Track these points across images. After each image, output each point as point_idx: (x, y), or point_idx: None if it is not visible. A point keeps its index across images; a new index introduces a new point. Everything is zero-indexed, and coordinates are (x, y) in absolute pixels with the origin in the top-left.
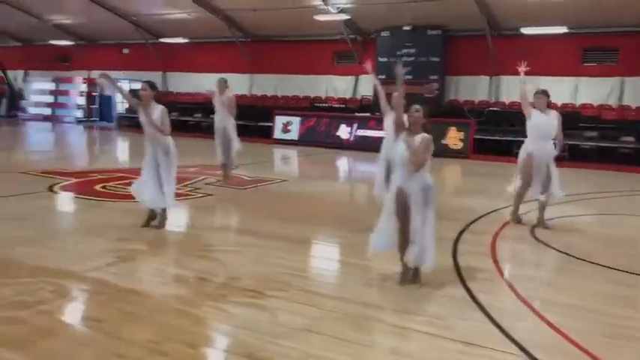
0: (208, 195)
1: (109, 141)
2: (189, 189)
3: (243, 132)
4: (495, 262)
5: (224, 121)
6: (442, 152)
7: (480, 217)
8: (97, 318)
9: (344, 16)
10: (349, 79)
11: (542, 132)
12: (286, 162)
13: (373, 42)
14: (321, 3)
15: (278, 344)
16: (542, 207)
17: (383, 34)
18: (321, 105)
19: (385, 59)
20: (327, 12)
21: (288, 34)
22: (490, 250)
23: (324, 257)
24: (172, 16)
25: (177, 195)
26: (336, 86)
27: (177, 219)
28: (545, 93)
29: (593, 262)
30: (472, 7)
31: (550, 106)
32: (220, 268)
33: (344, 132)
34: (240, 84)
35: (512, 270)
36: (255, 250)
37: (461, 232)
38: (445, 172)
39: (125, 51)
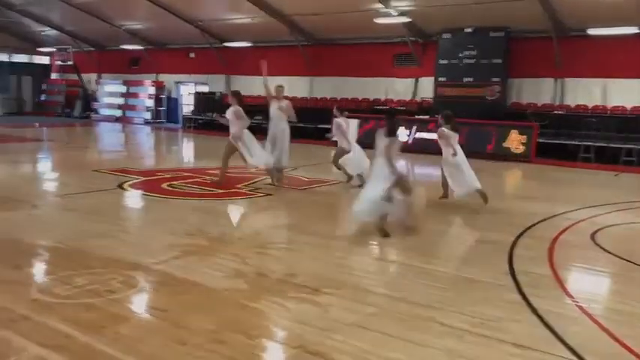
0: (268, 195)
1: (175, 141)
2: (249, 189)
3: (302, 134)
4: (552, 267)
5: (281, 125)
6: (503, 156)
7: (540, 222)
8: (161, 307)
9: (404, 19)
10: (409, 82)
11: None
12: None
13: (434, 44)
14: (382, 6)
15: (331, 338)
16: None
17: (444, 36)
18: (380, 107)
19: (446, 61)
20: (387, 15)
21: (348, 37)
22: (548, 255)
23: (380, 258)
24: (237, 20)
25: (238, 194)
26: (396, 88)
27: (239, 217)
28: None
29: None
30: (536, 7)
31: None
32: (278, 265)
33: (403, 134)
34: (300, 87)
35: (569, 275)
36: (311, 249)
37: (519, 237)
38: (506, 176)
39: (191, 55)
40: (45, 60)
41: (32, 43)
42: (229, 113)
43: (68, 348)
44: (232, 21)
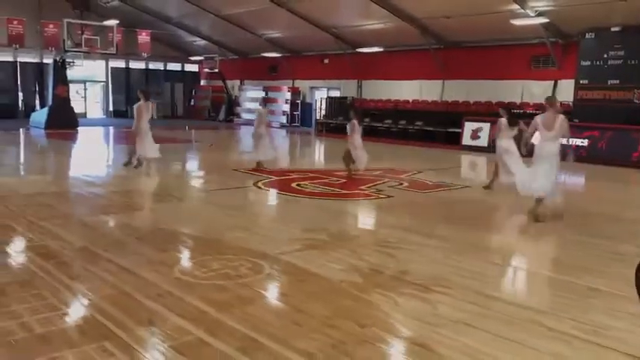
0: (389, 197)
1: (306, 144)
2: (372, 190)
3: (432, 138)
4: None
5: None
6: (633, 164)
7: None
8: (284, 293)
9: (542, 20)
10: (547, 84)
11: None
12: (473, 168)
13: (575, 45)
14: (518, 7)
15: (438, 333)
16: None
17: (587, 35)
18: (514, 111)
19: (589, 63)
20: (525, 16)
21: (481, 39)
22: None
23: (491, 261)
24: (369, 26)
25: (360, 195)
26: (533, 91)
27: (359, 216)
28: None
29: None
30: None
31: None
32: (392, 263)
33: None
34: (432, 90)
35: None
36: (426, 249)
37: None
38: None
39: (325, 61)
40: (195, 68)
41: (184, 53)
42: None
43: (203, 321)
44: (365, 27)
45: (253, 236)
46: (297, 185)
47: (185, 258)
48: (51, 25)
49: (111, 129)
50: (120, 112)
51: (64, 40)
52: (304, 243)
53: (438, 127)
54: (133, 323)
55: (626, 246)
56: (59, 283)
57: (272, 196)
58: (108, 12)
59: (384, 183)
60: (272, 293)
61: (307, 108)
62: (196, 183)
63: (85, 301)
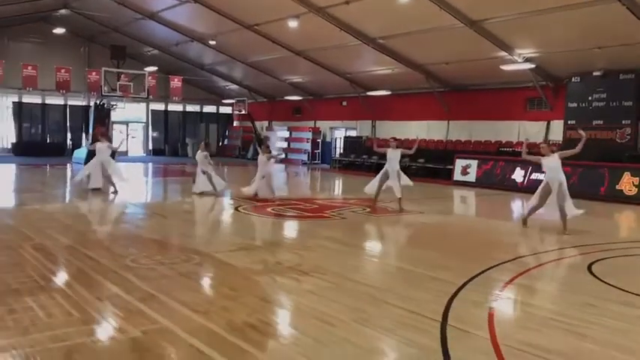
0: (342, 218)
1: (314, 179)
2: (334, 213)
3: (435, 174)
4: None
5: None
6: (615, 197)
7: None
8: (194, 272)
9: (529, 65)
10: (540, 124)
11: None
12: (446, 199)
13: (565, 87)
14: (506, 54)
15: (289, 298)
16: None
17: (573, 79)
18: (504, 149)
19: (575, 104)
20: (513, 62)
21: (479, 82)
22: None
23: (370, 259)
24: (378, 72)
25: (319, 217)
26: (528, 131)
27: (301, 230)
28: None
29: None
30: None
31: None
32: (296, 259)
33: (519, 175)
34: (438, 130)
35: None
36: (330, 252)
37: None
38: (617, 218)
39: (344, 103)
40: (228, 110)
41: (219, 96)
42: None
43: (129, 288)
44: (375, 72)
45: (203, 241)
46: (272, 209)
47: (138, 253)
48: (94, 73)
49: (149, 165)
50: (158, 150)
51: (101, 86)
52: (239, 246)
53: (438, 164)
54: (85, 291)
55: None
56: (42, 266)
57: (243, 217)
58: (147, 59)
59: (349, 209)
60: (186, 273)
61: (327, 146)
62: (188, 206)
63: (53, 277)
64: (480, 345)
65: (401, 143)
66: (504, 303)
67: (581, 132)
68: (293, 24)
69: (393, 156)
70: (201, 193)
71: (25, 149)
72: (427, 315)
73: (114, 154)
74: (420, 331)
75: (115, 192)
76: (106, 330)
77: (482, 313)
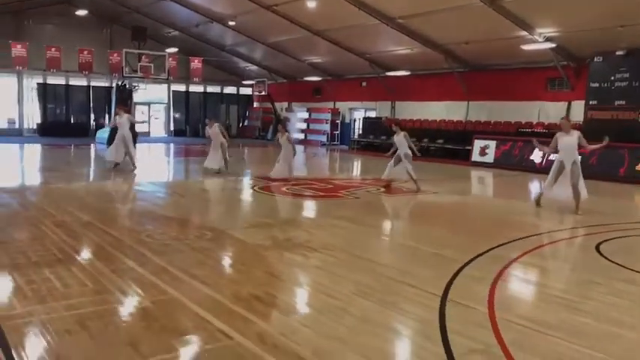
0: (356, 198)
1: (332, 159)
2: (347, 193)
3: (454, 155)
4: None
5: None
6: (635, 179)
7: None
8: (207, 248)
9: (550, 45)
10: (561, 105)
11: None
12: (463, 180)
13: (587, 68)
14: (527, 33)
15: (293, 272)
16: None
17: (595, 59)
18: (523, 130)
19: (597, 85)
20: (533, 41)
21: (500, 62)
22: None
23: (381, 237)
24: (398, 52)
25: (332, 197)
26: (548, 112)
27: (314, 209)
28: None
29: None
30: None
31: None
32: (306, 236)
33: (537, 156)
34: (457, 111)
35: None
36: (339, 230)
37: None
38: (635, 199)
39: (363, 84)
40: (248, 91)
41: (239, 77)
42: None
43: (142, 262)
44: (394, 52)
45: (217, 219)
46: (287, 189)
47: (154, 229)
48: (115, 54)
49: (171, 145)
50: (180, 131)
51: (122, 67)
52: (251, 224)
53: (457, 145)
54: (100, 264)
55: None
56: (61, 240)
57: (258, 196)
58: (168, 40)
59: (364, 189)
60: (199, 248)
61: (346, 128)
62: (205, 185)
63: (72, 251)
64: (477, 319)
65: (420, 124)
66: (508, 279)
67: (606, 140)
68: (311, 4)
69: (399, 140)
70: (219, 171)
71: (50, 130)
72: (428, 290)
73: (135, 132)
74: (419, 304)
75: (134, 168)
76: (118, 300)
77: (484, 289)
